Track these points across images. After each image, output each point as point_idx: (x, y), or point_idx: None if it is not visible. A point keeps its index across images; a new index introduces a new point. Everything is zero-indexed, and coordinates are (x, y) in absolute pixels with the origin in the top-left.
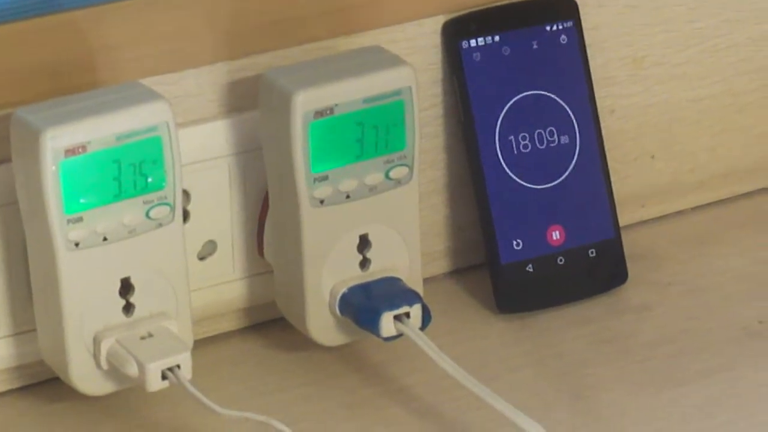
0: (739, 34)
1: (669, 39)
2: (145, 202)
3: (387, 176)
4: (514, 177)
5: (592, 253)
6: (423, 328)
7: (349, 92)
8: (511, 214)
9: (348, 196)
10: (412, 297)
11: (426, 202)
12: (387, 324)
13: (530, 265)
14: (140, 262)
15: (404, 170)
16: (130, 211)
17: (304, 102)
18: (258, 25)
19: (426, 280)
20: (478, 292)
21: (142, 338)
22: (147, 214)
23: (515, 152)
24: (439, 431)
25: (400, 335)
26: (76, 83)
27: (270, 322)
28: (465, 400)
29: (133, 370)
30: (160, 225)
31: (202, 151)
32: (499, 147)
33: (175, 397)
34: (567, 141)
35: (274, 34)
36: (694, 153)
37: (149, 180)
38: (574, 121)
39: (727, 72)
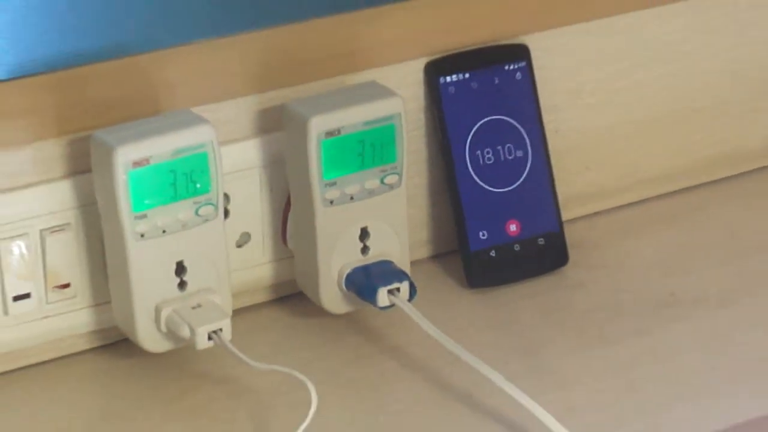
0: (656, 70)
1: (600, 76)
2: (195, 203)
3: (382, 182)
4: (481, 183)
5: (541, 241)
6: (410, 299)
7: (352, 117)
8: (478, 212)
9: (352, 198)
10: (401, 276)
11: (412, 202)
12: (382, 296)
13: (493, 251)
14: (191, 249)
15: (395, 178)
16: (183, 210)
17: (317, 125)
18: (280, 66)
19: (412, 263)
20: (453, 272)
21: (193, 308)
22: (196, 212)
23: (481, 163)
24: (423, 379)
25: (392, 305)
26: (141, 111)
27: (291, 296)
28: (443, 355)
29: (185, 332)
30: (207, 220)
31: (239, 163)
32: (469, 160)
33: (218, 354)
34: (521, 155)
35: (293, 73)
36: (621, 164)
37: (198, 186)
38: (527, 139)
39: (647, 101)
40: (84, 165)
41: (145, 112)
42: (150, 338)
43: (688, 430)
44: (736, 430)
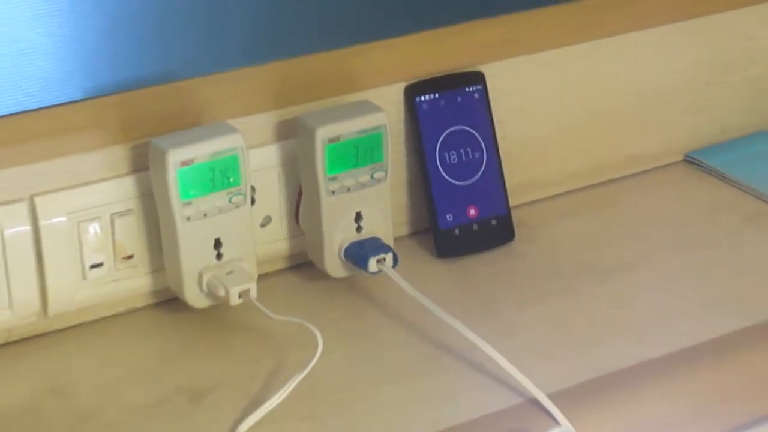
0: (579, 92)
1: (537, 96)
2: (228, 193)
3: (372, 177)
4: (447, 177)
5: (493, 222)
6: (394, 266)
7: (349, 127)
8: (445, 200)
9: (348, 189)
10: (387, 248)
11: (395, 192)
12: (372, 264)
13: (456, 230)
14: (226, 228)
15: (382, 174)
16: (219, 199)
17: (322, 134)
18: (294, 88)
19: (395, 239)
20: (426, 246)
21: (227, 273)
22: (230, 200)
23: (447, 163)
24: (404, 328)
25: (380, 271)
26: (186, 123)
27: (302, 264)
28: (419, 310)
29: (222, 292)
30: (238, 206)
31: (262, 162)
32: (438, 160)
33: (246, 309)
34: (478, 156)
35: (303, 94)
36: (553, 163)
37: (231, 180)
38: (482, 144)
39: (572, 115)
40: (143, 164)
41: (190, 124)
42: (194, 297)
43: (604, 362)
44: (646, 365)
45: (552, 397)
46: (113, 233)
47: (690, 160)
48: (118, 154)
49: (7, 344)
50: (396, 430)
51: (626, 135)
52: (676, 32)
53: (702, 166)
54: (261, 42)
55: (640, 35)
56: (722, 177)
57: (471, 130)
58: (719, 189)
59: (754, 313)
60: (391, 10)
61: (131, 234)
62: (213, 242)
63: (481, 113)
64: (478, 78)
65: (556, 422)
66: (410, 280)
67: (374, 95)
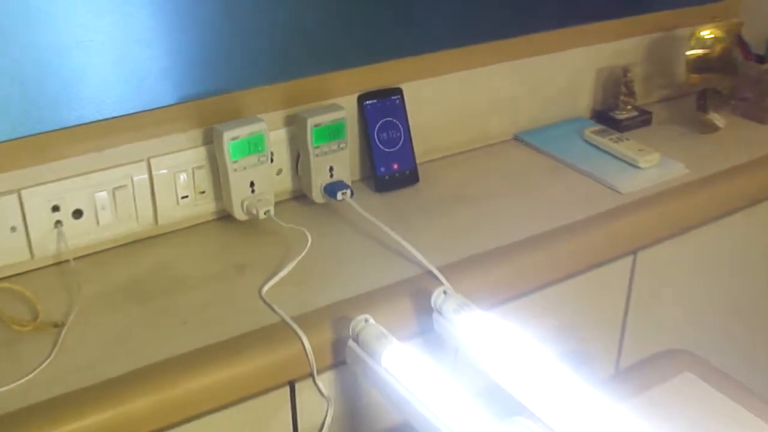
0: (462, 97)
1: (433, 103)
2: (257, 156)
3: (338, 147)
4: (381, 147)
5: (407, 172)
6: (351, 197)
7: (325, 119)
8: (380, 160)
9: (325, 153)
10: (347, 186)
11: (351, 155)
12: (339, 195)
13: (386, 176)
14: (256, 176)
15: (344, 145)
16: (252, 159)
17: (311, 122)
18: (295, 97)
19: (352, 182)
20: (369, 185)
21: (257, 200)
22: (258, 160)
23: (381, 139)
24: (360, 234)
25: (343, 199)
26: (234, 116)
27: (300, 196)
28: (365, 221)
29: (254, 211)
30: (263, 163)
31: (277, 138)
32: (376, 137)
33: (268, 221)
34: (398, 135)
35: (300, 100)
36: (443, 137)
37: (259, 148)
38: (401, 128)
39: (451, 110)
40: (210, 140)
41: (236, 116)
42: (239, 214)
43: (472, 249)
44: (500, 248)
45: (440, 269)
46: (194, 178)
47: (517, 138)
48: (196, 134)
49: (134, 242)
50: (352, 287)
51: (484, 122)
52: (506, 67)
53: (524, 142)
54: (276, 70)
55: (489, 67)
56: (536, 148)
57: (395, 120)
58: (534, 155)
59: (553, 220)
60: (350, 52)
61: (204, 179)
62: (249, 183)
63: (400, 111)
64: (399, 91)
65: (441, 283)
66: (360, 204)
67: (340, 101)
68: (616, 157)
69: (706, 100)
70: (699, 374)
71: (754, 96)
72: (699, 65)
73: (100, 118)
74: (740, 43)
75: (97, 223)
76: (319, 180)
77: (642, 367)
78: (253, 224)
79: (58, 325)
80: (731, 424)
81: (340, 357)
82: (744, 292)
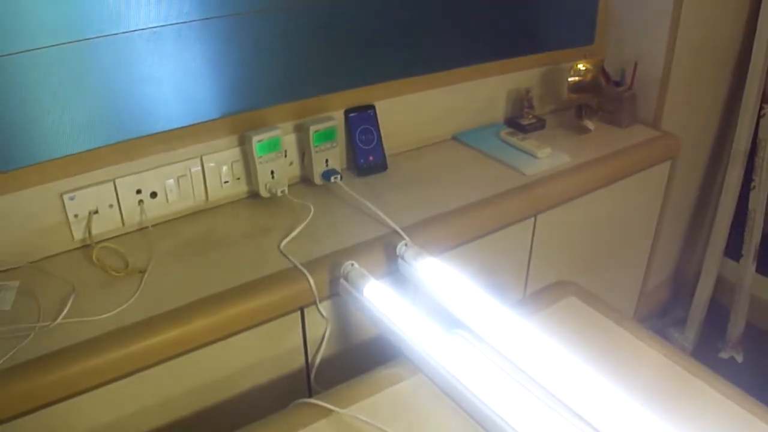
0: (414, 112)
1: (398, 114)
2: (276, 153)
3: (331, 146)
4: (361, 145)
5: (379, 163)
6: (341, 180)
7: (322, 126)
8: (360, 154)
9: (323, 150)
10: (338, 173)
11: (341, 151)
12: (333, 179)
13: (365, 165)
14: (275, 166)
15: (336, 144)
16: (272, 155)
17: (312, 129)
18: (301, 112)
19: (342, 169)
20: (353, 172)
21: (275, 183)
22: (276, 156)
23: (362, 140)
24: (349, 206)
25: (335, 182)
26: (259, 126)
27: (305, 180)
28: (351, 198)
29: (275, 190)
30: (279, 158)
31: (288, 141)
32: (357, 139)
33: (284, 198)
34: (372, 137)
35: (305, 114)
36: (403, 139)
37: (276, 148)
38: (375, 133)
39: (408, 121)
40: (243, 142)
41: (261, 126)
42: (264, 193)
43: (428, 213)
44: (441, 215)
45: (403, 228)
46: (232, 169)
47: (455, 138)
48: (233, 139)
49: (192, 213)
50: (342, 242)
51: (432, 128)
52: (448, 89)
53: (459, 140)
54: (288, 94)
55: (435, 90)
56: (467, 145)
57: (370, 127)
58: (466, 149)
59: (480, 193)
60: (339, 82)
61: (239, 169)
62: (270, 172)
63: (374, 120)
64: (373, 107)
65: (404, 238)
66: (347, 185)
67: (333, 114)
68: (521, 151)
69: (581, 111)
70: (581, 298)
71: (613, 109)
72: (576, 88)
73: (168, 128)
74: (603, 72)
75: (167, 200)
76: (318, 169)
77: (541, 293)
78: (273, 200)
79: (142, 272)
80: (603, 332)
81: (335, 290)
82: (611, 240)
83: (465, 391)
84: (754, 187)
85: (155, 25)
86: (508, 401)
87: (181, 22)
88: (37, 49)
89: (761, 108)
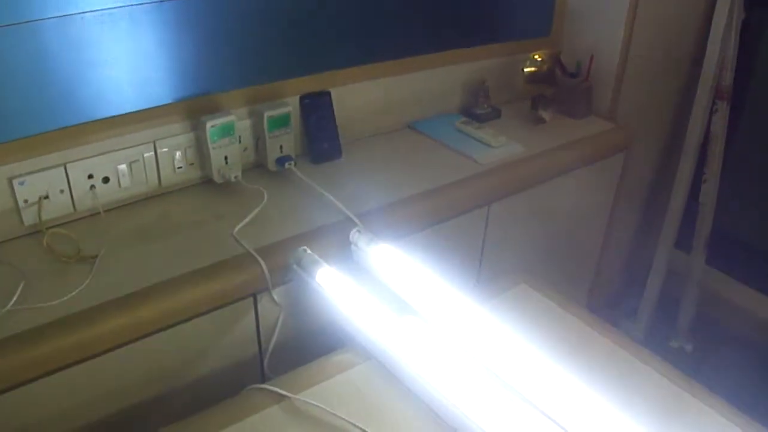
0: (368, 96)
1: (355, 100)
2: (229, 138)
3: (286, 132)
4: (316, 132)
5: (334, 150)
6: (295, 166)
7: (276, 112)
8: (315, 140)
9: (277, 136)
10: (292, 158)
11: (295, 138)
12: (287, 165)
13: (320, 152)
14: (228, 152)
15: (290, 130)
16: (226, 141)
17: (267, 114)
18: (256, 97)
19: (296, 155)
20: (308, 158)
21: (229, 168)
22: (230, 141)
23: (316, 127)
24: (299, 190)
25: (289, 168)
26: (214, 111)
27: (259, 165)
28: (304, 184)
29: (227, 175)
30: (233, 143)
31: (243, 126)
32: (313, 125)
33: (237, 183)
34: (328, 123)
35: (260, 99)
36: (361, 125)
37: (230, 133)
38: (330, 119)
39: (367, 105)
40: (196, 127)
41: (215, 111)
42: (217, 178)
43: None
44: (394, 202)
45: (356, 215)
46: (186, 154)
47: (410, 127)
48: (187, 123)
49: (145, 199)
50: (296, 228)
51: (387, 115)
52: (403, 78)
53: (415, 129)
54: (243, 79)
55: (390, 78)
56: (423, 134)
57: (325, 114)
58: (421, 138)
59: (434, 182)
60: (294, 67)
61: (192, 155)
62: (224, 157)
63: (329, 107)
64: (328, 93)
65: (357, 225)
66: (301, 171)
67: (288, 100)
68: (476, 140)
69: (537, 102)
70: (533, 287)
71: (568, 100)
72: (532, 78)
73: (120, 113)
74: (559, 64)
75: (120, 186)
76: (272, 155)
77: (493, 281)
78: (226, 186)
79: (94, 258)
80: (554, 320)
81: (289, 277)
82: (564, 230)
83: (416, 376)
84: (706, 180)
85: (108, 6)
86: (459, 385)
87: (135, 4)
88: None
89: (714, 104)
